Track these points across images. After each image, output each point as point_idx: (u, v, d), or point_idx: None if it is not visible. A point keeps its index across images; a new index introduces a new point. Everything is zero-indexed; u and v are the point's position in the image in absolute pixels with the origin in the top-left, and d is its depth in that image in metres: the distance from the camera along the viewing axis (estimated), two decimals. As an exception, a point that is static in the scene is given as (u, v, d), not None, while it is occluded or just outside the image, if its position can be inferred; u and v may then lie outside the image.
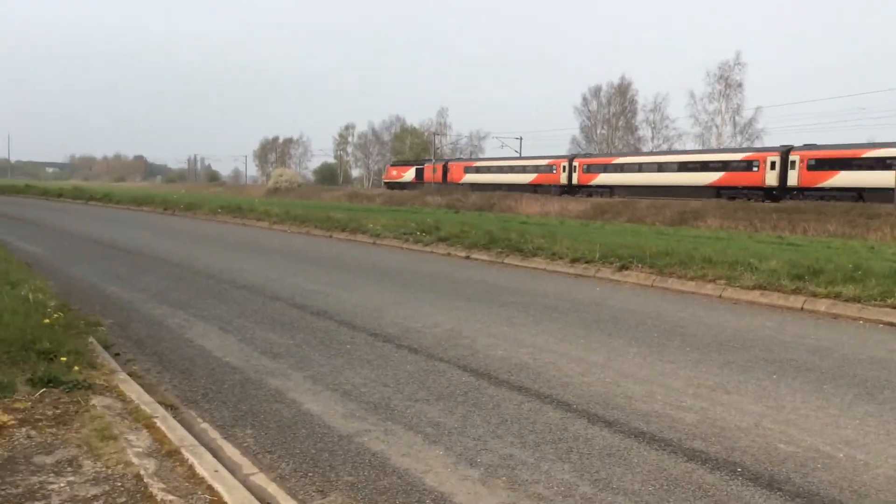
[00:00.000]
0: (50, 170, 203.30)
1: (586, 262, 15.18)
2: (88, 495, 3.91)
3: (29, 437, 4.70)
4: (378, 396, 6.27)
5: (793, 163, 42.08)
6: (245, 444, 5.17)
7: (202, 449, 4.74)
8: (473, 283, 13.38)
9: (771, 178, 42.68)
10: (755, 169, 43.61)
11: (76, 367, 6.01)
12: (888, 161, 38.02)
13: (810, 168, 41.25)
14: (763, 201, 41.10)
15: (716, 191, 45.05)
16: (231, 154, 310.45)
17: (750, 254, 15.12)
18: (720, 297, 12.18)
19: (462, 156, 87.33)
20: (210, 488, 4.12)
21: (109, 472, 4.23)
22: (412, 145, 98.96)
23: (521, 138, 75.73)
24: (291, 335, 8.58)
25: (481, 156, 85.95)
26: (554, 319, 9.85)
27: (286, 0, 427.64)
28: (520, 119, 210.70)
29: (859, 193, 38.69)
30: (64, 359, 6.12)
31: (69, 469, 4.24)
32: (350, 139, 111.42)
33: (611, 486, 4.52)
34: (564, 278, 14.48)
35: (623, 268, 14.39)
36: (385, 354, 7.73)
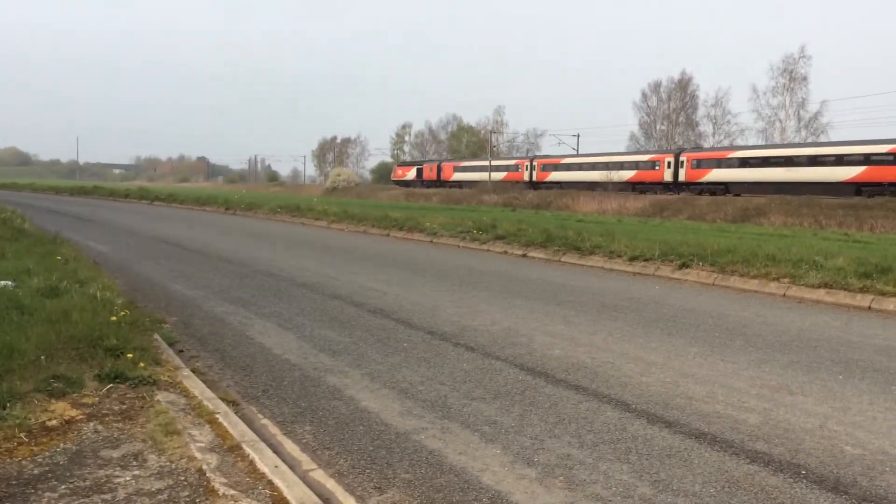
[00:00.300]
0: (117, 171, 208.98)
1: (645, 261, 14.99)
2: (153, 489, 4.01)
3: (96, 431, 4.84)
4: (435, 394, 6.30)
5: (682, 162, 50.69)
6: (304, 441, 5.24)
7: (262, 445, 4.82)
8: (530, 281, 13.32)
9: (668, 175, 50.48)
10: (657, 168, 52.46)
11: (142, 364, 6.16)
12: (747, 160, 47.06)
13: (693, 167, 50.01)
14: (662, 193, 47.96)
15: (632, 185, 52.83)
16: (290, 154, 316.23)
17: (815, 251, 14.74)
18: (784, 295, 11.90)
19: (518, 153, 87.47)
20: (270, 483, 4.18)
21: (173, 466, 4.33)
22: (468, 143, 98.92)
23: (578, 135, 75.11)
24: (349, 333, 8.66)
25: (537, 153, 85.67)
26: (612, 318, 9.75)
27: (346, 2, 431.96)
28: (578, 116, 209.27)
29: (727, 187, 47.14)
30: (130, 355, 6.28)
31: (134, 463, 4.36)
32: (407, 138, 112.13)
33: (671, 488, 4.46)
34: (623, 277, 14.32)
35: (683, 266, 14.17)
36: (442, 352, 7.75)
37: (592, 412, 5.86)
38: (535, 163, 64.57)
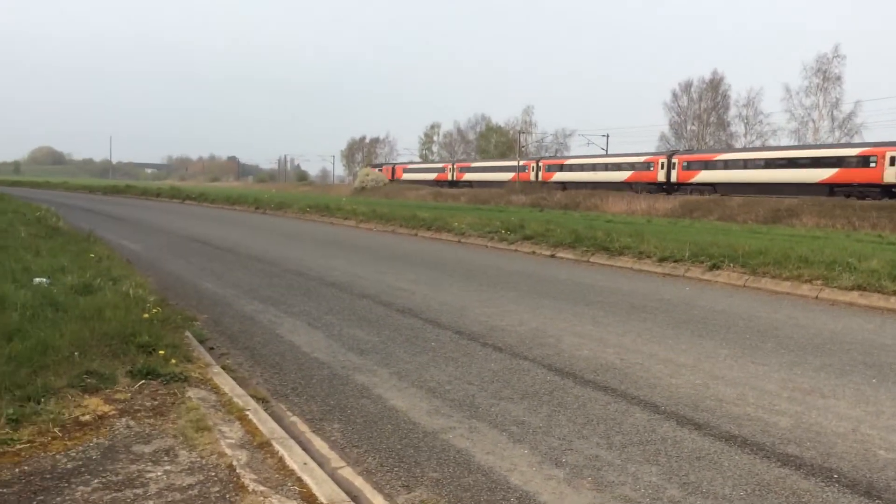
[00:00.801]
0: (149, 170, 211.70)
1: (675, 262, 14.87)
2: (184, 484, 4.06)
3: (128, 426, 4.91)
4: (463, 394, 6.30)
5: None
6: (333, 438, 5.27)
7: (292, 442, 4.86)
8: (558, 281, 13.28)
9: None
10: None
11: (173, 361, 6.24)
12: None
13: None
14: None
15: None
16: (319, 154, 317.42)
17: (848, 253, 14.52)
18: (816, 297, 11.75)
19: (548, 153, 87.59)
20: (299, 480, 4.21)
21: (204, 462, 4.38)
22: (497, 144, 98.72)
23: (607, 135, 74.80)
24: (377, 332, 8.70)
25: (565, 153, 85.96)
26: (641, 319, 9.69)
27: (378, 3, 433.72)
28: (609, 115, 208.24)
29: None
30: (162, 352, 6.36)
31: (166, 458, 4.41)
32: (435, 138, 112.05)
33: (700, 490, 4.42)
34: (652, 277, 14.23)
35: (714, 267, 14.04)
36: (470, 352, 7.76)
37: (621, 413, 5.83)
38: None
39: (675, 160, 54.27)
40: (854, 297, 11.38)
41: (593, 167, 60.82)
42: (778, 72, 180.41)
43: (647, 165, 55.99)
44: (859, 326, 9.56)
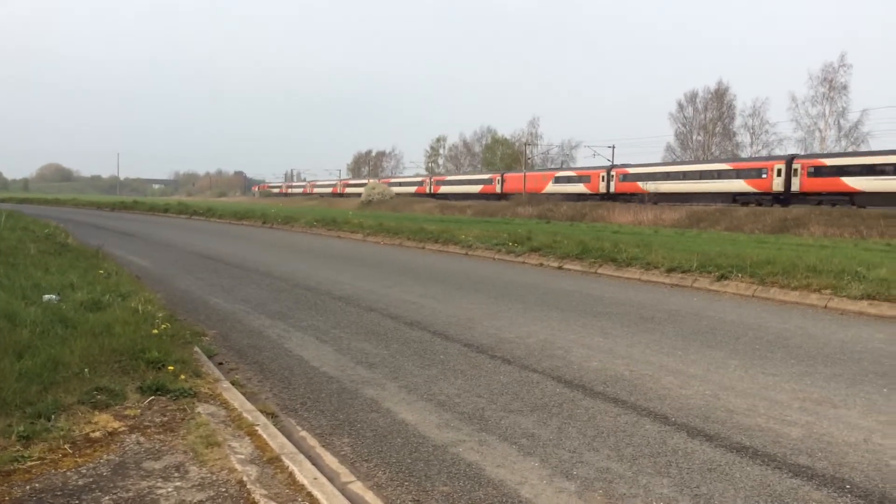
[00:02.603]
0: (156, 186, 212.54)
1: (683, 272, 14.85)
2: (194, 500, 4.06)
3: (138, 443, 4.91)
4: (472, 407, 6.29)
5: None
6: (343, 453, 5.27)
7: (302, 457, 4.85)
8: (566, 293, 13.27)
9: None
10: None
11: (182, 376, 6.25)
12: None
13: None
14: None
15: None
16: (325, 168, 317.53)
17: (857, 262, 14.49)
18: (825, 307, 11.70)
19: (552, 165, 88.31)
20: (310, 495, 4.21)
21: (214, 477, 4.38)
22: (503, 156, 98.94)
23: (613, 146, 74.71)
24: (386, 345, 8.69)
25: (572, 164, 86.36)
26: (650, 330, 9.67)
27: (379, 13, 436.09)
28: (614, 127, 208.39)
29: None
30: (171, 368, 6.37)
31: (176, 474, 4.41)
32: (441, 151, 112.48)
33: (712, 502, 4.40)
34: (660, 288, 14.20)
35: (722, 277, 14.01)
36: (478, 365, 7.75)
37: (631, 425, 5.81)
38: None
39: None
40: (863, 306, 11.34)
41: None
42: (784, 81, 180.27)
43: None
44: (869, 336, 9.52)
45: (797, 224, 36.06)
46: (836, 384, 7.06)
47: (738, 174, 51.02)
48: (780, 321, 10.55)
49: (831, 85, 62.43)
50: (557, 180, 67.56)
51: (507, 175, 76.07)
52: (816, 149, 61.31)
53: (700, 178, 53.91)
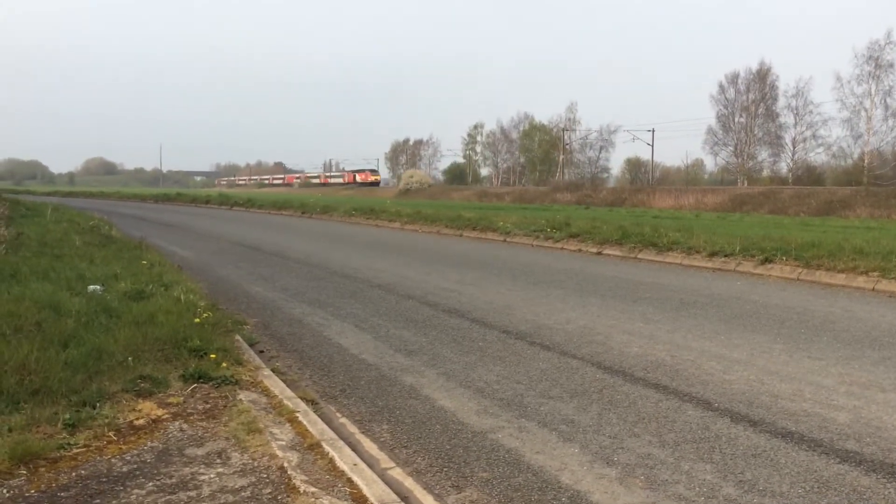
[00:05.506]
0: (198, 178, 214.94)
1: (725, 256, 14.62)
2: (236, 486, 4.09)
3: (181, 430, 4.97)
4: (511, 393, 6.26)
5: None
6: (382, 439, 5.28)
7: (341, 443, 4.87)
8: (606, 278, 13.15)
9: None
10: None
11: (224, 364, 6.31)
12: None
13: None
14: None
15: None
16: (363, 157, 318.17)
17: (906, 244, 14.12)
18: (873, 289, 11.44)
19: (592, 151, 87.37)
20: (350, 481, 4.22)
21: (255, 464, 4.41)
22: (541, 142, 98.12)
23: (653, 130, 73.91)
24: (424, 333, 8.70)
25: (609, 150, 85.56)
26: (692, 315, 9.54)
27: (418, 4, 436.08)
28: (653, 110, 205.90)
29: None
30: (213, 356, 6.44)
31: (218, 461, 4.46)
32: (479, 138, 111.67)
33: (757, 488, 4.32)
34: (702, 273, 14.00)
35: (766, 261, 13.77)
36: (517, 351, 7.71)
37: (673, 411, 5.74)
38: None
39: None
40: (913, 288, 11.06)
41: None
42: (828, 61, 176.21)
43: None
44: (919, 318, 9.28)
45: (843, 206, 35.34)
46: (884, 368, 6.89)
47: None
48: (826, 304, 10.34)
49: (877, 63, 60.59)
50: None
51: None
52: (863, 129, 59.83)
53: None
